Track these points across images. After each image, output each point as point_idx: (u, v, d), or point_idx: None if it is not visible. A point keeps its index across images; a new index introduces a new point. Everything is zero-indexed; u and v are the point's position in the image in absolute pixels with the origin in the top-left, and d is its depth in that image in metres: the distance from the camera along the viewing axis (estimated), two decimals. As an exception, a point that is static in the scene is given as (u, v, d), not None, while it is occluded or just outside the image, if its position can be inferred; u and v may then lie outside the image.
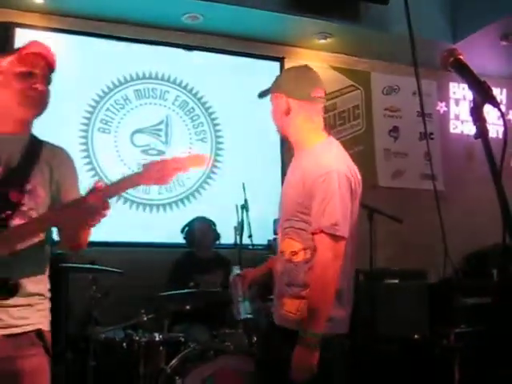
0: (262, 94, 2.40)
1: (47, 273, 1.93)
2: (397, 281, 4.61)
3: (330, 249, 2.06)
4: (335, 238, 2.06)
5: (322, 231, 2.06)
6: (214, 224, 4.32)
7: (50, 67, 1.98)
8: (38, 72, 1.92)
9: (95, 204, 1.71)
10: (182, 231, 4.31)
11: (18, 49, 1.95)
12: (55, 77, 5.05)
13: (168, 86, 5.07)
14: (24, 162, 1.88)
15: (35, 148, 1.96)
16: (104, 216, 1.76)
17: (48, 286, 1.93)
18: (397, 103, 5.83)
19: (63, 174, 1.99)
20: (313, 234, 2.10)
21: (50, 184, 1.93)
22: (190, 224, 4.32)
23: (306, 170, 2.16)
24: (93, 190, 1.73)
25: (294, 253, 2.15)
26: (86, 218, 1.79)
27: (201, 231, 4.26)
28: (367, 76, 5.77)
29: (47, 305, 1.92)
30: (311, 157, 2.19)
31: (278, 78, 2.37)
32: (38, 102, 1.94)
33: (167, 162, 1.80)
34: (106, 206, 1.73)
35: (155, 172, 1.80)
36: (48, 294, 1.93)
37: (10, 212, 1.80)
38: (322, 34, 5.19)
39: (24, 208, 1.83)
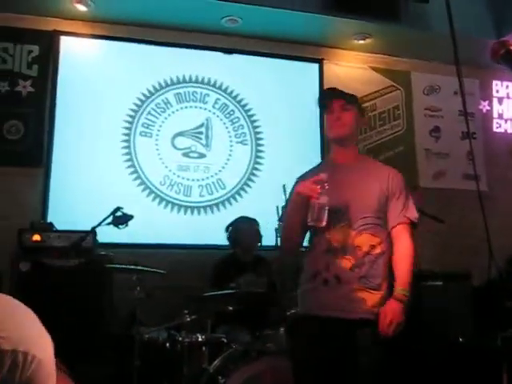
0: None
1: None
2: (441, 283, 4.53)
3: (413, 235, 2.52)
4: (415, 227, 2.56)
5: (411, 222, 2.51)
6: (258, 223, 4.26)
7: None
8: None
9: None
10: (227, 230, 4.29)
11: None
12: (98, 82, 5.15)
13: (208, 89, 5.12)
14: None
15: None
16: None
17: None
18: (438, 103, 5.75)
19: None
20: (399, 224, 2.49)
21: None
22: (234, 223, 4.27)
23: (384, 172, 2.56)
24: None
25: (373, 246, 2.42)
26: None
27: (245, 231, 4.21)
28: (407, 76, 5.71)
29: None
30: (374, 162, 2.80)
31: (349, 95, 2.64)
32: None
33: None
34: None
35: None
36: None
37: None
38: (361, 34, 5.16)
39: None
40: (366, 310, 2.37)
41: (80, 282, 3.76)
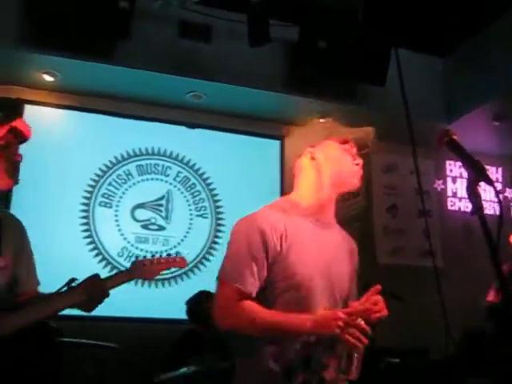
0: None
1: None
2: (398, 360, 4.51)
3: None
4: None
5: None
6: None
7: (23, 138, 2.08)
8: (14, 143, 2.02)
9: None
10: (187, 303, 4.21)
11: None
12: (60, 151, 5.13)
13: (170, 161, 5.18)
14: None
15: None
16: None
17: None
18: (395, 181, 5.92)
19: (21, 248, 2.09)
20: None
21: (13, 256, 2.02)
22: (195, 298, 4.20)
23: (353, 245, 2.06)
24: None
25: None
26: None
27: (207, 306, 4.15)
28: (366, 154, 5.87)
29: None
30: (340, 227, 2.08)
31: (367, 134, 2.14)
32: (18, 171, 2.04)
33: (153, 261, 2.13)
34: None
35: (143, 269, 2.12)
36: None
37: None
38: (321, 113, 5.34)
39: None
40: None
41: (27, 356, 3.61)
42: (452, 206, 6.18)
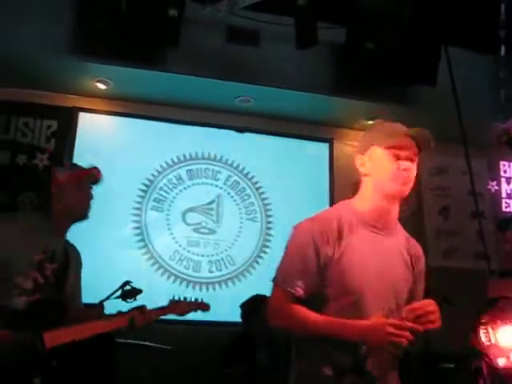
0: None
1: None
2: (453, 365, 4.41)
3: None
4: None
5: None
6: None
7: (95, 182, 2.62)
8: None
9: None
10: (242, 307, 4.24)
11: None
12: (113, 157, 5.25)
13: (220, 166, 5.23)
14: (65, 263, 2.45)
15: (67, 250, 2.52)
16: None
17: None
18: (446, 182, 5.80)
19: (78, 273, 2.60)
20: None
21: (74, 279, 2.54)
22: (250, 301, 4.22)
23: (416, 250, 2.08)
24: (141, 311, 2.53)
25: None
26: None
27: (261, 310, 4.17)
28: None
29: None
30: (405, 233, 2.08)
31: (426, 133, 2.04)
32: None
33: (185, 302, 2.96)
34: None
35: (178, 306, 2.91)
36: None
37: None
38: (370, 115, 5.28)
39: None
40: None
41: (83, 357, 3.70)
42: (507, 207, 6.01)
